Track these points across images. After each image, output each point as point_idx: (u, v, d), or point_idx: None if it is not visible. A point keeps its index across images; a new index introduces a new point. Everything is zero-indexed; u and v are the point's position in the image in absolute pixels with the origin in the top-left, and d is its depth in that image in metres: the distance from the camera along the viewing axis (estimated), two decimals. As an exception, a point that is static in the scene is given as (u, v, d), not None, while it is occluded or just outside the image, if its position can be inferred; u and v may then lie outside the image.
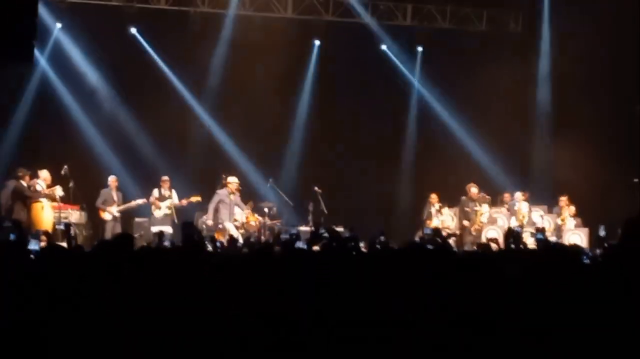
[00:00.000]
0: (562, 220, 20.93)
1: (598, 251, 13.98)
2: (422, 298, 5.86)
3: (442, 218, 21.41)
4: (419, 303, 5.81)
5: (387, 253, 8.87)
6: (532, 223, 20.44)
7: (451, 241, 19.79)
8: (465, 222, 21.13)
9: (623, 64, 21.83)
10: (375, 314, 5.67)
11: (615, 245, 7.86)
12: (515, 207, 21.03)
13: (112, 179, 20.94)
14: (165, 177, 21.14)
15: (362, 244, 12.86)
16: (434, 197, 21.63)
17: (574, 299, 5.79)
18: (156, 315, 5.63)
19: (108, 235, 19.83)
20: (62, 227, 17.20)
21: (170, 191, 21.06)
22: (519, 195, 21.20)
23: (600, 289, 5.95)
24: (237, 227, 20.52)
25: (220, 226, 20.51)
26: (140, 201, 20.91)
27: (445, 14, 24.33)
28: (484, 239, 18.47)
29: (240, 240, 19.37)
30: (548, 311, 5.70)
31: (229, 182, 20.84)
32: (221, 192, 20.80)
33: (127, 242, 8.19)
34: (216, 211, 20.74)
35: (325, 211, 21.25)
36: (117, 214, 20.69)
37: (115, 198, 20.76)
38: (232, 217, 20.61)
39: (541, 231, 15.96)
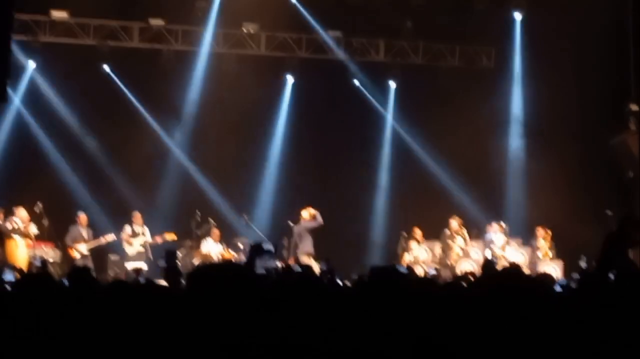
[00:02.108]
0: (540, 249, 20.99)
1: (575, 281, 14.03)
2: (396, 330, 5.86)
3: (416, 253, 21.42)
4: (392, 336, 5.80)
5: (362, 285, 8.85)
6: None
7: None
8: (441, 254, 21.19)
9: (596, 97, 22.02)
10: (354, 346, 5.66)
11: (592, 273, 7.89)
12: (492, 238, 21.07)
13: (80, 216, 20.78)
14: (137, 213, 21.07)
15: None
16: (417, 232, 21.69)
17: (545, 327, 5.79)
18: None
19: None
20: (38, 263, 17.15)
21: (143, 227, 20.97)
22: (495, 227, 21.23)
23: (572, 317, 5.96)
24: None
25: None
26: (109, 238, 20.77)
27: (418, 50, 24.49)
28: (458, 273, 18.52)
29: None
30: (520, 340, 5.70)
31: (216, 233, 21.15)
32: (209, 241, 20.99)
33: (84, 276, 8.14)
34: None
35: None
36: (87, 253, 20.50)
37: (84, 235, 20.60)
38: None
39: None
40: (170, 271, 10.90)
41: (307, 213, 21.03)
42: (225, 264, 6.32)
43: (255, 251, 8.52)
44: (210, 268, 5.35)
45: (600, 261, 6.79)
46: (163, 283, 12.30)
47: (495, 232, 21.13)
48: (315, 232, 21.19)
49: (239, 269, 5.30)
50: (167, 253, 13.22)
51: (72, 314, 6.12)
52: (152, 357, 5.27)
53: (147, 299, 7.47)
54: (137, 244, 20.75)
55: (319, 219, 21.03)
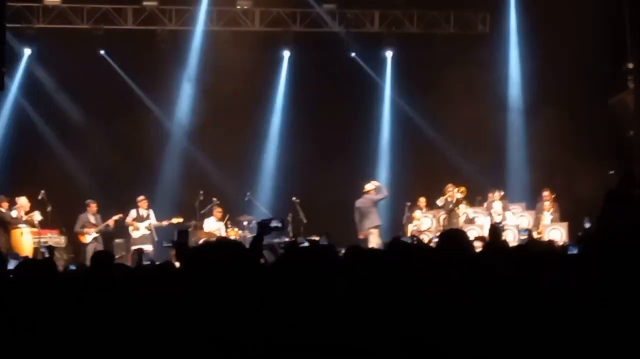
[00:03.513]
0: (545, 212, 21.00)
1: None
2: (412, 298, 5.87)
3: (421, 222, 21.46)
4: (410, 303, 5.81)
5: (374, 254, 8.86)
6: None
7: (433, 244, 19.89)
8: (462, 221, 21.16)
9: (593, 57, 21.96)
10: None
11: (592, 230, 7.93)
12: (493, 205, 21.12)
13: (90, 204, 20.88)
14: (142, 197, 21.12)
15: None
16: (421, 201, 21.74)
17: (562, 291, 5.81)
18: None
19: (89, 257, 19.76)
20: (44, 251, 17.18)
21: (148, 211, 21.03)
22: (493, 195, 21.27)
23: (585, 280, 5.98)
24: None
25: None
26: (116, 217, 20.88)
27: (412, 19, 24.42)
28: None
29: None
30: (539, 305, 5.72)
31: (218, 211, 21.10)
32: (211, 219, 20.99)
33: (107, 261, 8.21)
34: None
35: (305, 221, 21.31)
36: (97, 235, 20.64)
37: (93, 221, 20.71)
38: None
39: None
40: (182, 251, 10.83)
41: (371, 185, 21.04)
42: (222, 242, 6.33)
43: (263, 228, 8.53)
44: (206, 247, 5.34)
45: (599, 218, 6.82)
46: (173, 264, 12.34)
47: (495, 199, 21.14)
48: (333, 206, 21.34)
49: (236, 247, 5.30)
50: (179, 232, 13.11)
51: (75, 300, 6.15)
52: (151, 336, 5.30)
53: (148, 280, 7.52)
54: (142, 227, 20.82)
55: (384, 190, 21.06)
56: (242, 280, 5.02)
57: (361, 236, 20.48)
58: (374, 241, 20.22)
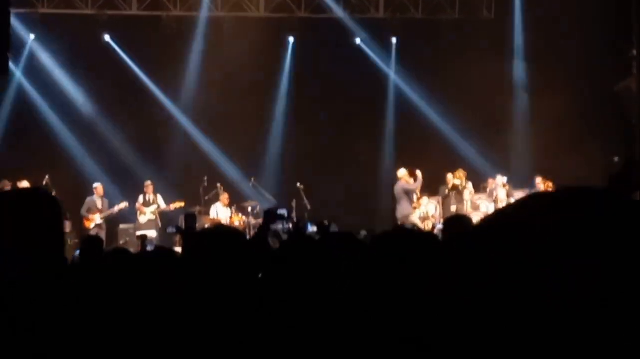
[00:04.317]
0: None
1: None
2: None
3: (424, 209, 21.42)
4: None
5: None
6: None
7: (437, 230, 19.90)
8: (454, 208, 21.09)
9: (599, 43, 21.93)
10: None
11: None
12: (495, 194, 21.08)
13: (97, 187, 20.94)
14: (149, 182, 21.18)
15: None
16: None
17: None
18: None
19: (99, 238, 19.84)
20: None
21: (155, 196, 21.09)
22: (499, 180, 21.21)
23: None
24: (222, 228, 20.60)
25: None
26: (122, 205, 20.92)
27: (417, 4, 24.34)
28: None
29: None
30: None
31: (225, 197, 21.23)
32: (217, 206, 20.99)
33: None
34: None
35: (309, 207, 21.32)
36: (101, 222, 20.68)
37: (99, 206, 20.76)
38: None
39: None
40: (190, 235, 10.83)
41: (401, 172, 20.92)
42: (223, 229, 6.35)
43: (270, 216, 8.56)
44: (207, 234, 5.35)
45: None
46: (178, 249, 12.36)
47: (499, 187, 21.10)
48: (337, 193, 21.36)
49: (237, 235, 5.30)
50: (187, 216, 13.09)
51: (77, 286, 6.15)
52: (149, 322, 5.30)
53: (148, 266, 7.51)
54: (149, 212, 20.88)
55: (419, 180, 20.86)
56: (242, 270, 5.02)
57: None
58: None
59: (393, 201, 21.36)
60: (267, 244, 9.29)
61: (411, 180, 20.97)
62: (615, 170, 17.16)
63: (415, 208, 21.45)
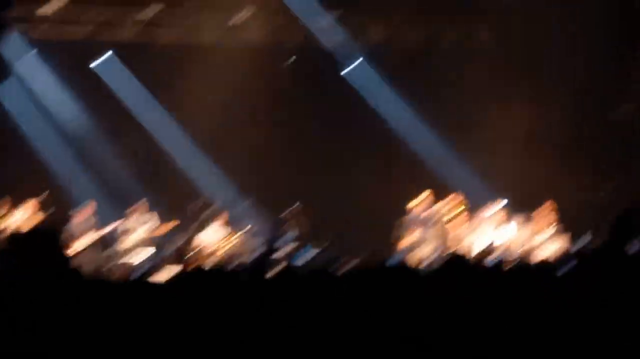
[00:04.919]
0: (542, 224, 20.94)
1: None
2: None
3: (416, 233, 21.36)
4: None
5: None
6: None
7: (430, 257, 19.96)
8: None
9: (599, 70, 22.05)
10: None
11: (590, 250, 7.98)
12: (490, 216, 21.06)
13: (85, 207, 20.85)
14: (141, 202, 21.12)
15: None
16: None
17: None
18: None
19: (83, 264, 19.80)
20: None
21: (148, 216, 21.03)
22: (491, 207, 21.16)
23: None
24: (216, 249, 20.60)
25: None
26: (114, 225, 20.84)
27: (415, 30, 24.41)
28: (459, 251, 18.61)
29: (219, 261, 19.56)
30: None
31: (220, 217, 21.13)
32: (212, 227, 21.00)
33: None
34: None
35: (304, 229, 21.29)
36: (90, 244, 20.57)
37: (88, 226, 20.66)
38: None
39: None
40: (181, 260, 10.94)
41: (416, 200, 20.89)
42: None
43: (272, 239, 8.64)
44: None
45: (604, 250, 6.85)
46: (171, 269, 12.40)
47: (492, 210, 21.11)
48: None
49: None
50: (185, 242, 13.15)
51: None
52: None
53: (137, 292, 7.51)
54: (140, 233, 20.79)
55: (435, 209, 20.80)
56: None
57: None
58: None
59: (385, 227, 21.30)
60: (265, 268, 9.33)
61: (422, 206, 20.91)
62: (612, 197, 17.20)
63: (408, 231, 21.42)
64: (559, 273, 8.73)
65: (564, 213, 21.00)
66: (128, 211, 21.06)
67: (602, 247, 7.09)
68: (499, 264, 11.95)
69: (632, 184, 21.41)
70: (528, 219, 21.52)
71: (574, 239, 20.31)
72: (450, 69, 23.43)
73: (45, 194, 20.30)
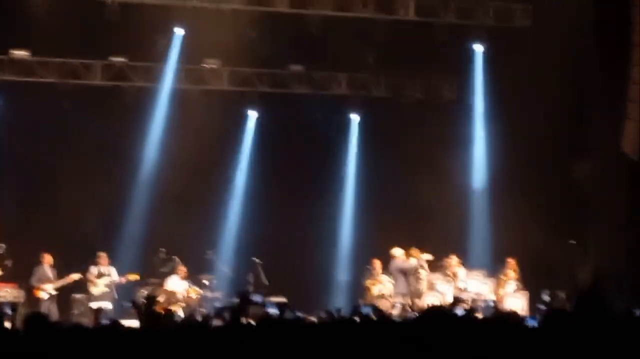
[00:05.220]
0: (506, 280, 20.95)
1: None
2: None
3: (382, 286, 21.36)
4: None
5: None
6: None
7: (396, 310, 19.89)
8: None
9: (558, 128, 22.25)
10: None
11: (558, 311, 8.01)
12: (449, 272, 21.05)
13: (45, 256, 20.65)
14: (102, 254, 20.91)
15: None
16: (376, 263, 21.59)
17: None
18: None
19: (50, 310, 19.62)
20: (8, 310, 16.97)
21: (109, 268, 20.81)
22: (454, 260, 21.17)
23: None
24: (177, 301, 20.47)
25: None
26: (75, 276, 20.60)
27: (379, 83, 24.61)
28: (425, 306, 18.59)
29: (181, 313, 19.40)
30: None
31: (182, 269, 20.98)
32: (174, 278, 20.83)
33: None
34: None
35: (266, 282, 21.22)
36: (54, 293, 20.38)
37: (50, 275, 20.46)
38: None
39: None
40: (149, 315, 10.86)
41: (400, 251, 20.79)
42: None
43: (244, 300, 8.60)
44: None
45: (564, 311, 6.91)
46: (133, 323, 12.28)
47: (456, 266, 21.13)
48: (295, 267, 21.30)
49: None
50: (148, 298, 13.09)
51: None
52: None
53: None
54: (102, 284, 20.59)
55: (414, 262, 20.72)
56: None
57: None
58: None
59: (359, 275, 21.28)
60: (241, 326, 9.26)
61: (409, 259, 20.84)
62: (574, 254, 17.30)
63: (373, 285, 21.39)
64: (527, 325, 8.80)
65: (527, 268, 21.09)
66: (93, 260, 20.91)
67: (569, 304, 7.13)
68: (468, 315, 12.02)
69: (593, 243, 21.61)
70: (493, 273, 21.60)
71: (536, 294, 20.39)
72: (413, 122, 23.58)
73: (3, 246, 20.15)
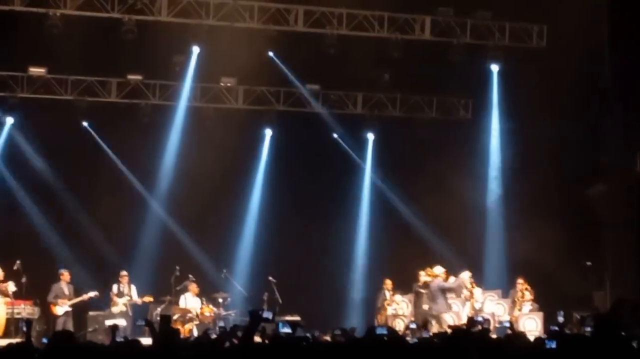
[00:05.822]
0: (521, 301, 20.83)
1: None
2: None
3: (397, 306, 21.33)
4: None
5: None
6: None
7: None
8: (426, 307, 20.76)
9: (573, 148, 22.23)
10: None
11: (577, 335, 8.01)
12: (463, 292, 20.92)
13: (63, 272, 20.72)
14: (124, 273, 21.00)
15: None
16: (388, 283, 21.60)
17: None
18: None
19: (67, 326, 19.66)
20: (23, 326, 17.01)
21: (129, 287, 20.89)
22: (464, 276, 20.86)
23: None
24: (191, 319, 20.49)
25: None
26: (92, 294, 20.68)
27: (395, 102, 24.65)
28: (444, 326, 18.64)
29: (195, 332, 19.42)
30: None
31: (194, 287, 20.99)
32: (187, 295, 20.86)
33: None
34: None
35: (280, 301, 21.20)
36: (69, 309, 20.44)
37: (66, 292, 20.53)
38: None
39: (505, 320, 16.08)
40: (163, 334, 10.87)
41: (441, 270, 20.54)
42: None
43: (255, 318, 8.59)
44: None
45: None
46: (146, 341, 12.31)
47: (474, 286, 21.01)
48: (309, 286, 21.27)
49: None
50: (163, 318, 13.10)
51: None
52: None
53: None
54: (121, 303, 20.67)
55: (459, 279, 20.49)
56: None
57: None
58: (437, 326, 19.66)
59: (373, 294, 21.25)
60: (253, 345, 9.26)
61: (450, 278, 20.63)
62: (589, 275, 17.24)
63: (388, 305, 21.35)
64: (546, 348, 8.77)
65: (542, 288, 21.01)
66: (110, 279, 20.96)
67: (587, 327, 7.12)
68: (482, 335, 11.97)
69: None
70: (508, 293, 21.53)
71: (551, 314, 20.31)
72: (429, 141, 23.61)
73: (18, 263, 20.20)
